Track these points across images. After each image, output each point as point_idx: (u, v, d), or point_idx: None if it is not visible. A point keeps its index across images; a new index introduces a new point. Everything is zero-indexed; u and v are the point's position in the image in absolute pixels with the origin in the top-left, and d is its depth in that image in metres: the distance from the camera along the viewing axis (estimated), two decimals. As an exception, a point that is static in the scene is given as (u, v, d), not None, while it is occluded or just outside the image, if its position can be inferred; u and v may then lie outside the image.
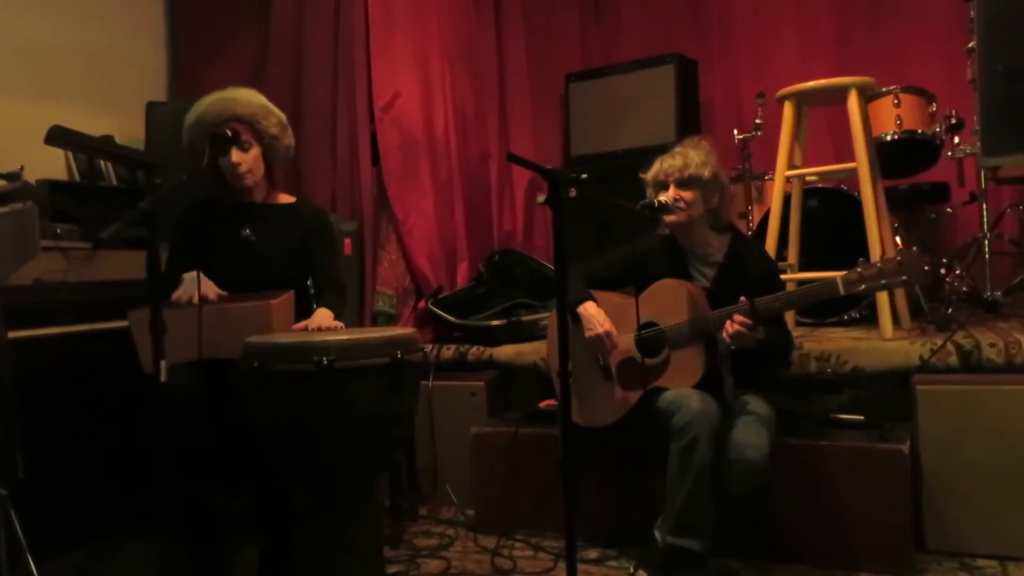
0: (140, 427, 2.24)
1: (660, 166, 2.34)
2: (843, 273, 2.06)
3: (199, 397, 2.14)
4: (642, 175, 2.39)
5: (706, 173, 2.28)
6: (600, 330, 2.32)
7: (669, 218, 2.31)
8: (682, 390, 2.18)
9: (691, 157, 2.29)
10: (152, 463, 1.67)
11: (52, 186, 2.90)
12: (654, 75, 4.12)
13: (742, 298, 2.12)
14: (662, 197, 2.31)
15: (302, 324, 2.20)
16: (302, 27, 3.63)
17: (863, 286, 2.03)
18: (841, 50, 4.19)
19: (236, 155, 2.32)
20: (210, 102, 2.35)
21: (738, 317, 2.08)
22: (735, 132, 3.89)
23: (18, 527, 2.00)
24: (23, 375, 2.11)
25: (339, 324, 2.25)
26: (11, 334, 2.12)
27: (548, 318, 3.23)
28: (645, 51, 4.34)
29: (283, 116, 2.44)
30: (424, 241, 3.59)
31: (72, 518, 2.62)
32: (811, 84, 2.99)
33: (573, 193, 1.75)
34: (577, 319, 2.37)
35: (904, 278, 1.99)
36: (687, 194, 2.28)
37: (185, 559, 2.14)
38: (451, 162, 3.76)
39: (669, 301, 2.26)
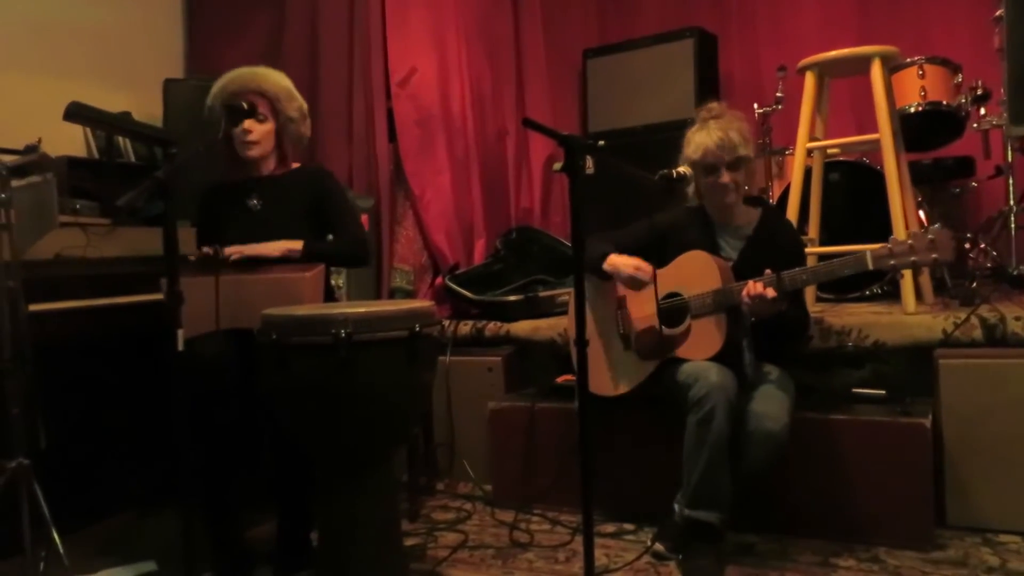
0: (161, 400, 2.26)
1: (707, 146, 2.24)
2: (873, 248, 2.03)
3: (225, 368, 2.15)
4: (689, 156, 2.29)
5: (750, 152, 2.27)
6: (631, 269, 2.27)
7: (725, 200, 2.28)
8: (700, 363, 2.17)
9: (733, 137, 2.23)
10: (172, 436, 1.68)
11: (71, 163, 2.92)
12: (673, 50, 4.07)
13: (767, 271, 2.10)
14: (681, 169, 2.29)
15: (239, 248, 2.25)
16: (317, 3, 3.62)
17: (892, 262, 2.00)
18: (863, 21, 4.11)
19: (248, 123, 2.35)
20: (238, 72, 2.40)
21: (762, 282, 2.06)
22: (755, 107, 3.84)
23: (41, 498, 2.03)
24: (44, 347, 2.13)
25: (285, 248, 2.28)
26: (32, 307, 2.15)
27: (566, 294, 3.23)
28: (663, 26, 4.28)
29: (305, 105, 2.49)
30: (441, 217, 3.58)
31: (93, 491, 2.65)
32: (833, 54, 2.93)
33: (591, 168, 1.73)
34: (604, 276, 2.35)
35: (935, 256, 1.96)
36: (739, 175, 2.26)
37: (204, 533, 2.17)
38: (468, 138, 3.75)
39: (695, 272, 2.24)
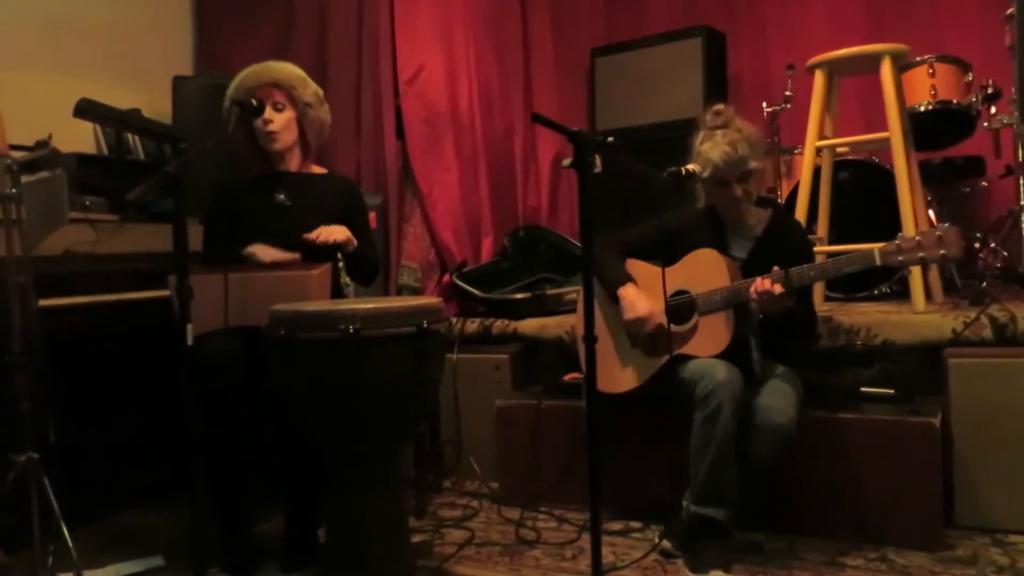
0: (169, 395, 2.28)
1: (716, 162, 2.19)
2: (881, 244, 2.02)
3: (233, 364, 2.16)
4: (697, 172, 2.23)
5: (760, 162, 2.25)
6: (642, 312, 2.30)
7: (740, 210, 2.28)
8: (707, 360, 2.16)
9: (742, 151, 2.19)
10: (181, 432, 1.68)
11: (81, 159, 2.93)
12: (681, 49, 4.06)
13: (775, 268, 2.09)
14: (690, 167, 2.27)
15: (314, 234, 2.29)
16: (326, 1, 3.62)
17: (900, 258, 1.99)
18: (873, 20, 4.09)
19: (268, 113, 2.36)
20: (251, 68, 2.43)
21: (770, 278, 2.06)
22: (764, 105, 3.82)
23: (50, 491, 2.04)
24: (53, 342, 2.14)
25: (347, 235, 2.31)
26: (42, 302, 2.15)
27: (573, 292, 3.22)
28: (672, 24, 4.27)
29: (320, 91, 2.50)
30: (448, 215, 3.58)
31: (102, 486, 2.67)
32: (843, 52, 2.92)
33: (599, 167, 1.73)
34: (616, 300, 2.36)
35: (943, 252, 1.94)
36: (749, 186, 2.25)
37: (212, 528, 2.17)
38: (476, 136, 3.75)
39: (703, 271, 2.24)
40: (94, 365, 2.69)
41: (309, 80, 2.47)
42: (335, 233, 2.30)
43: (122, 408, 2.79)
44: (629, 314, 2.32)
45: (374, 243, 2.62)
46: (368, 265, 2.52)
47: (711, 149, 2.22)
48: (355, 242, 2.36)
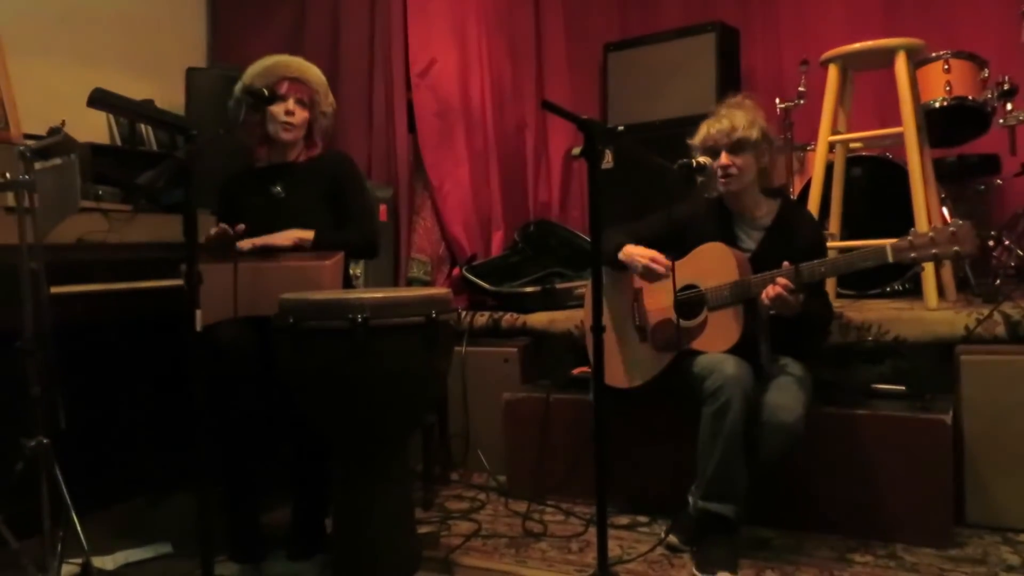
0: (179, 383, 2.30)
1: (707, 131, 2.27)
2: (893, 240, 2.00)
3: (243, 354, 2.16)
4: (689, 141, 2.33)
5: (755, 134, 2.23)
6: (647, 260, 2.26)
7: (725, 186, 2.27)
8: (716, 355, 2.15)
9: (737, 119, 2.23)
10: (190, 420, 1.69)
11: (94, 150, 2.95)
12: (694, 44, 4.03)
13: (785, 263, 2.07)
14: (701, 159, 2.27)
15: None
16: (340, -7, 3.64)
17: (913, 254, 1.96)
18: (888, 15, 4.05)
19: (292, 105, 2.39)
20: (284, 57, 2.47)
21: (781, 280, 2.04)
22: (777, 101, 3.78)
23: (60, 478, 2.05)
24: (64, 328, 2.15)
25: (296, 236, 2.28)
26: (53, 289, 2.16)
27: (582, 286, 3.22)
28: (685, 19, 4.25)
29: (334, 104, 2.57)
30: (459, 208, 3.59)
31: (111, 472, 2.68)
32: (857, 46, 2.90)
33: (609, 163, 1.73)
34: (620, 268, 2.35)
35: (956, 248, 1.91)
36: (739, 159, 2.24)
37: (220, 516, 2.18)
38: (487, 130, 3.75)
39: (712, 264, 2.23)
40: (105, 352, 2.70)
41: (330, 92, 2.54)
42: (265, 241, 2.28)
43: (132, 395, 2.81)
44: (640, 262, 2.27)
45: (372, 215, 2.58)
46: (354, 249, 2.45)
47: (708, 123, 2.27)
48: (309, 238, 2.31)
